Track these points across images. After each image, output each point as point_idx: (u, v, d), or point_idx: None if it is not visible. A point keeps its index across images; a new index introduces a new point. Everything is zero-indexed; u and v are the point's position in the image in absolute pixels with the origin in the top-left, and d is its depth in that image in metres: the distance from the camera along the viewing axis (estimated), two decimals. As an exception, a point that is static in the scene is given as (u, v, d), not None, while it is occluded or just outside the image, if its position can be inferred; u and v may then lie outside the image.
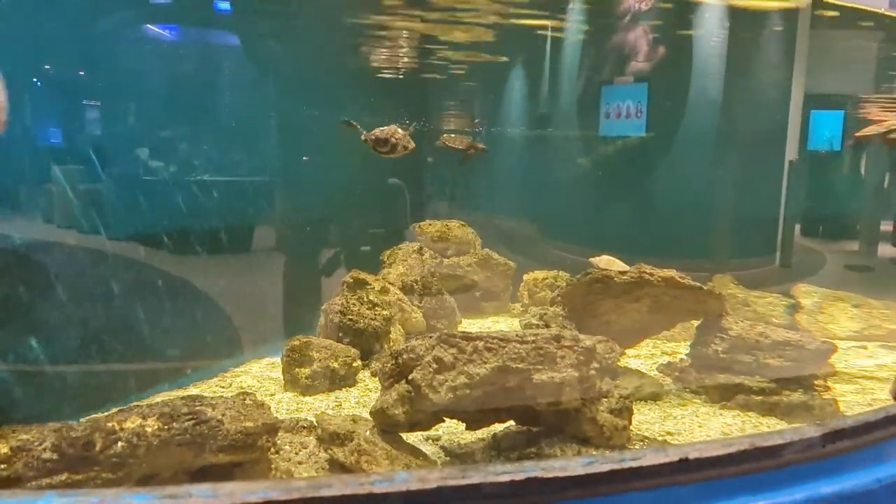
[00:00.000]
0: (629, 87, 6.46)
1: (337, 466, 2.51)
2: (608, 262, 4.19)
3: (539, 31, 6.69)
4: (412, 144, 3.67)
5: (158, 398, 3.16)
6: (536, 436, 2.73)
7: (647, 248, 4.73)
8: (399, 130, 3.78)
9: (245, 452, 2.35)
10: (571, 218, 7.09)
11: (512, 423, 2.80)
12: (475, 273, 5.49)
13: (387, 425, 2.60)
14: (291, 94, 4.98)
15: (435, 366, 2.52)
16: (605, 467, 1.58)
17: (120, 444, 2.14)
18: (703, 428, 3.29)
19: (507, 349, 2.52)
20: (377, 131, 3.84)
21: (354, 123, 4.04)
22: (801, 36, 6.25)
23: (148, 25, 4.37)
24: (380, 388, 2.83)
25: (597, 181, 6.94)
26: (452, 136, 5.90)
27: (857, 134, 6.64)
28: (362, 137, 3.93)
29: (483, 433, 2.88)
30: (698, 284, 3.70)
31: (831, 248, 7.46)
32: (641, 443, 2.94)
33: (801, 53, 6.28)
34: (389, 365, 2.71)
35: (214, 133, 4.59)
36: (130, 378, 3.57)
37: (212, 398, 2.47)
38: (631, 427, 2.88)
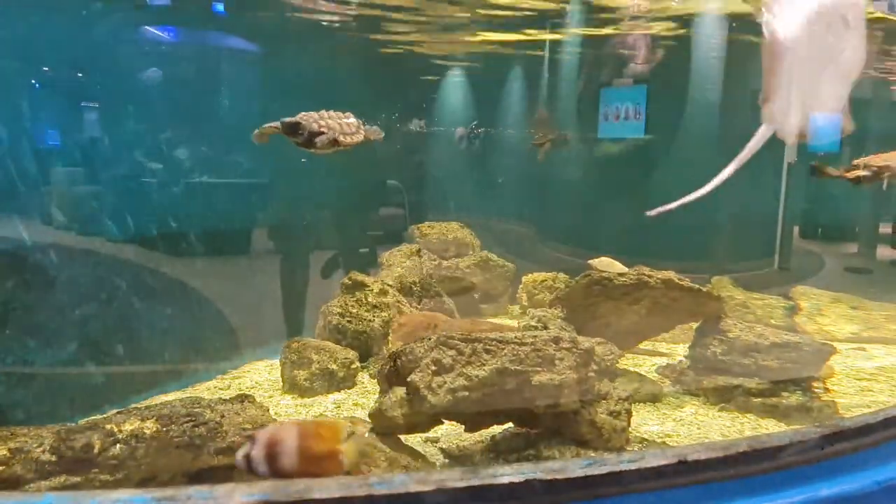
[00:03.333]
0: (628, 89, 6.46)
1: (335, 468, 2.50)
2: (607, 264, 4.18)
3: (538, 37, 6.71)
4: (354, 138, 2.68)
5: (157, 400, 3.15)
6: (535, 438, 2.73)
7: (646, 250, 4.73)
8: (349, 117, 2.76)
9: (243, 454, 2.34)
10: (570, 220, 7.09)
11: (511, 424, 2.80)
12: (474, 275, 5.48)
13: (385, 427, 2.60)
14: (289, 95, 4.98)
15: (434, 368, 2.52)
16: (604, 469, 1.58)
17: (118, 446, 2.14)
18: (702, 430, 3.29)
19: (505, 351, 2.52)
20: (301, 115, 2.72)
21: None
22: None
23: (146, 27, 4.37)
24: (378, 390, 2.83)
25: (595, 183, 6.93)
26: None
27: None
28: (263, 127, 2.75)
29: (482, 435, 2.87)
30: (697, 286, 3.70)
31: (830, 251, 7.45)
32: (640, 445, 2.94)
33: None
34: (388, 367, 2.71)
35: (212, 135, 4.58)
36: (129, 380, 3.57)
37: (210, 400, 2.47)
38: (630, 429, 2.87)
